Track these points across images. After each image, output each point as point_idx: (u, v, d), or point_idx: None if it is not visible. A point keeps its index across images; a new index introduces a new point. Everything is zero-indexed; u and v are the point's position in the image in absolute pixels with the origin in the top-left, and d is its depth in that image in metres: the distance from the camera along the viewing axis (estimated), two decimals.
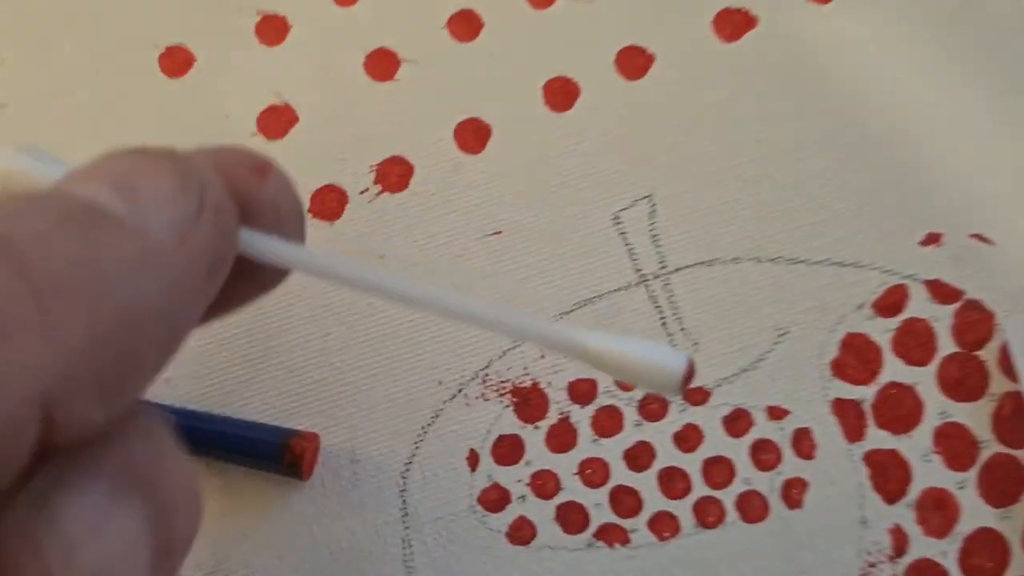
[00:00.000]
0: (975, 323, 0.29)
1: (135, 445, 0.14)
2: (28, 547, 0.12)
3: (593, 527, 0.28)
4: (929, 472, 0.28)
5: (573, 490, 0.28)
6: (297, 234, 0.17)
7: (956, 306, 0.29)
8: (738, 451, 0.28)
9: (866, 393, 0.29)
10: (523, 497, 0.28)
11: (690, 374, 0.16)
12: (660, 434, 0.28)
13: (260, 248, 0.16)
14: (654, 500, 0.28)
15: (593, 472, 0.28)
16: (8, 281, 0.12)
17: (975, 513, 0.28)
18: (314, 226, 0.29)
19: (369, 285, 0.17)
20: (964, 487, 0.28)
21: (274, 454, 0.27)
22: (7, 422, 0.11)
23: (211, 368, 0.29)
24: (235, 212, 0.16)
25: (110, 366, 0.13)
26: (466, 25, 0.31)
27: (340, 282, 0.17)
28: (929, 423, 0.28)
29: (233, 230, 0.16)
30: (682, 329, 0.29)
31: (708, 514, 0.28)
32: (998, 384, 0.28)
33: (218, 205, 0.15)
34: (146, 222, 0.14)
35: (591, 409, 0.28)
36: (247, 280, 0.17)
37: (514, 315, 0.17)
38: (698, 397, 0.29)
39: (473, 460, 0.28)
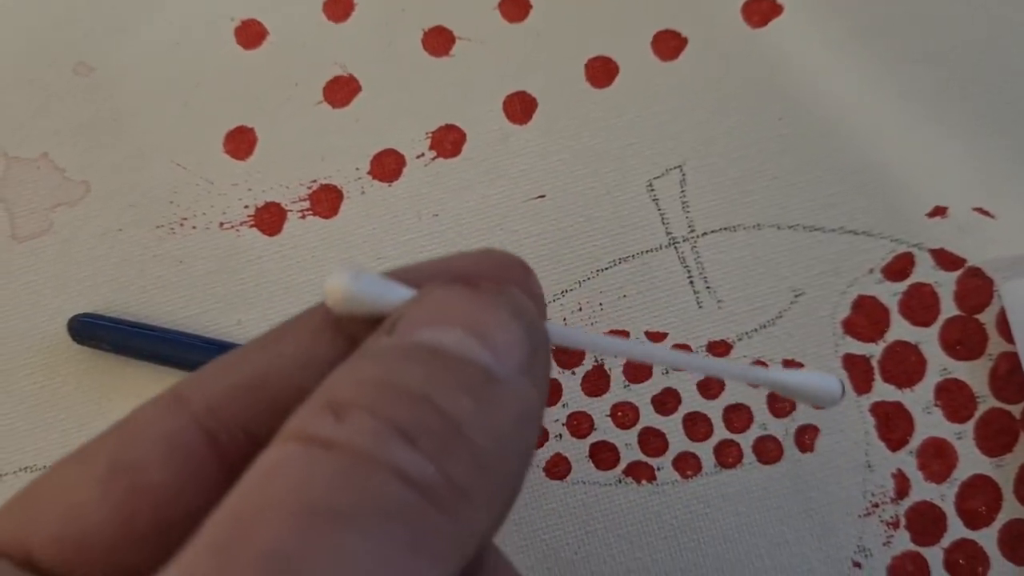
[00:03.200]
0: (975, 289, 0.31)
1: None
2: None
3: (623, 464, 0.30)
4: (930, 423, 0.30)
5: (605, 431, 0.30)
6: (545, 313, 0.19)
7: (958, 273, 0.31)
8: (756, 399, 0.31)
9: (874, 350, 0.31)
10: (560, 436, 0.30)
11: (843, 393, 0.20)
12: (685, 382, 0.31)
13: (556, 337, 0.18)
14: (679, 442, 0.30)
15: (624, 415, 0.31)
16: (468, 470, 0.14)
17: (971, 461, 0.30)
18: (374, 186, 0.32)
19: (623, 353, 0.19)
20: (962, 437, 0.30)
21: None
22: (463, 563, 0.14)
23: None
24: (548, 336, 0.17)
25: (507, 503, 0.15)
26: (516, 7, 0.32)
27: (601, 352, 0.21)
28: (931, 379, 0.31)
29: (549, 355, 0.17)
30: (707, 288, 0.31)
31: (727, 455, 0.30)
32: (995, 345, 0.31)
33: (545, 340, 0.16)
34: (509, 372, 0.15)
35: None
36: None
37: (729, 365, 0.20)
38: (721, 349, 0.31)
39: None
